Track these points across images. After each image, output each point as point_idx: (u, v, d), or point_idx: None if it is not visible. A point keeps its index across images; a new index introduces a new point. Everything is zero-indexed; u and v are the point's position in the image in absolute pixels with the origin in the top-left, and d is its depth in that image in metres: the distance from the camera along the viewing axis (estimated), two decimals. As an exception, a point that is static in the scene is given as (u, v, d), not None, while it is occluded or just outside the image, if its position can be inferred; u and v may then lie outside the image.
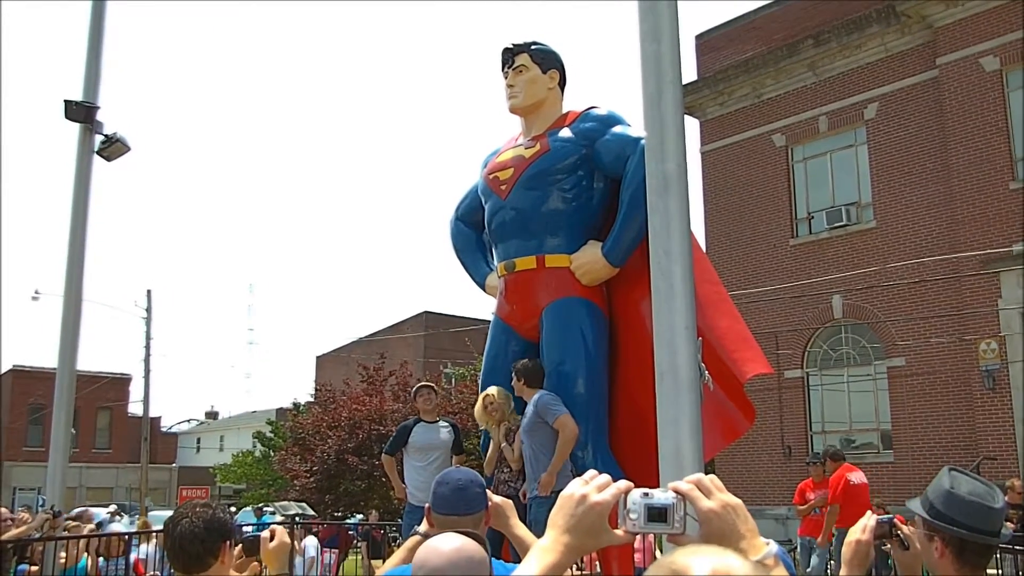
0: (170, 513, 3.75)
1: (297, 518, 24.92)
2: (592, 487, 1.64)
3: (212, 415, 70.88)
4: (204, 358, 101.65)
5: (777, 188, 21.00)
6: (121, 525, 13.60)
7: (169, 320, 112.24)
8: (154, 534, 10.65)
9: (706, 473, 1.69)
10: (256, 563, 3.32)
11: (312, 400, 32.37)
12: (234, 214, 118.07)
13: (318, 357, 52.79)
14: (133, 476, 46.31)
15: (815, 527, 11.66)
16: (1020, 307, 16.46)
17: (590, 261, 6.52)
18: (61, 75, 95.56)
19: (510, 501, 3.07)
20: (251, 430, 48.00)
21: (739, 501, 1.61)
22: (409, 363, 30.60)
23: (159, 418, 56.68)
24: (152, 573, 9.49)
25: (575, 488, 1.66)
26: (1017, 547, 9.23)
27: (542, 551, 1.62)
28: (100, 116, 8.08)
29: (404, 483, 8.08)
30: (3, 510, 8.67)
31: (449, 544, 2.19)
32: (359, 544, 19.17)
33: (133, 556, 9.75)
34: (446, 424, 8.29)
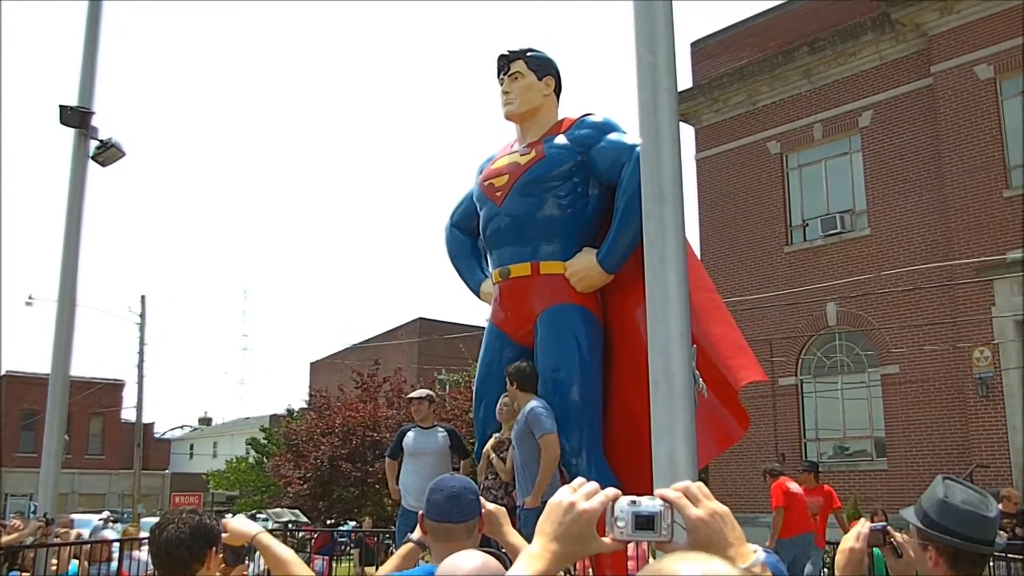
0: (162, 520, 3.73)
1: (290, 525, 24.87)
2: (580, 494, 1.64)
3: (206, 421, 70.69)
4: (198, 364, 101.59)
5: (772, 195, 21.03)
6: (113, 532, 13.53)
7: (163, 326, 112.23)
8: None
9: (700, 480, 1.69)
10: (244, 571, 3.30)
11: (306, 406, 32.31)
12: (229, 219, 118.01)
13: (312, 363, 52.76)
14: (126, 482, 46.17)
15: (809, 534, 11.66)
16: (1013, 315, 16.49)
17: (585, 268, 6.51)
18: (56, 80, 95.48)
19: (503, 508, 3.06)
20: (245, 436, 47.86)
21: (726, 509, 1.61)
22: (403, 369, 30.57)
23: (152, 424, 56.60)
24: None
25: (563, 495, 1.66)
26: (1011, 554, 9.25)
27: (530, 558, 1.62)
28: (95, 121, 8.07)
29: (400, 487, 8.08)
30: None
31: (471, 562, 2.18)
32: (352, 551, 19.16)
33: (114, 565, 9.75)
34: (443, 430, 8.26)
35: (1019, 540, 11.07)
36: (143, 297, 37.73)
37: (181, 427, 68.30)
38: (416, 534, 3.00)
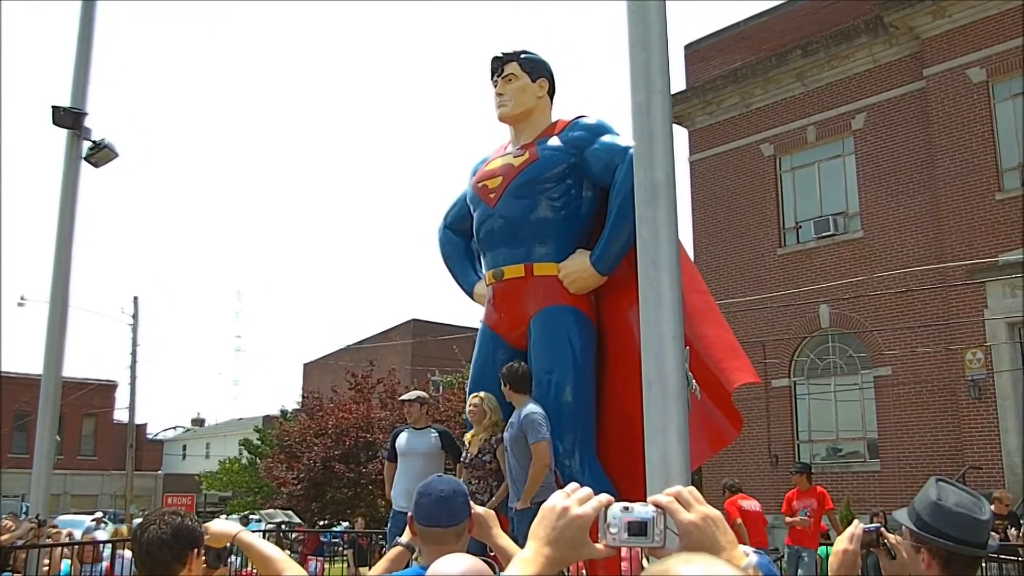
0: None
1: (283, 526, 24.85)
2: (573, 500, 1.64)
3: (198, 422, 70.59)
4: (191, 365, 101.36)
5: (765, 198, 21.07)
6: (105, 533, 13.52)
7: (156, 327, 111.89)
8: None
9: (693, 481, 1.69)
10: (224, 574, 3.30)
11: (299, 408, 32.28)
12: (222, 221, 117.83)
13: (306, 364, 52.65)
14: (118, 483, 46.06)
15: (802, 536, 11.68)
16: (1006, 317, 16.54)
17: (578, 270, 6.52)
18: (49, 81, 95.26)
19: (492, 512, 3.05)
20: (237, 437, 47.79)
21: (718, 513, 1.61)
22: (397, 370, 30.55)
23: (145, 425, 56.42)
24: None
25: (557, 500, 1.66)
26: (1003, 556, 9.27)
27: (523, 563, 1.62)
28: (88, 122, 8.06)
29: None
30: None
31: (459, 566, 2.18)
32: (345, 552, 19.14)
33: (105, 564, 9.74)
34: (435, 431, 8.24)
35: (1010, 542, 11.10)
36: (136, 298, 37.68)
37: (174, 428, 68.23)
38: (405, 537, 2.99)
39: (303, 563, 17.55)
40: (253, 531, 3.47)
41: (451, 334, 36.60)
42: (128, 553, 9.94)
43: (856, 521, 2.86)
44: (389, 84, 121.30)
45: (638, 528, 1.58)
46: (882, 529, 2.73)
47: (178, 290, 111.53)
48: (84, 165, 8.01)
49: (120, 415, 48.06)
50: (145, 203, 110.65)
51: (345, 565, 19.00)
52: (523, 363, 6.57)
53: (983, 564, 8.61)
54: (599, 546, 1.62)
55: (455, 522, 2.83)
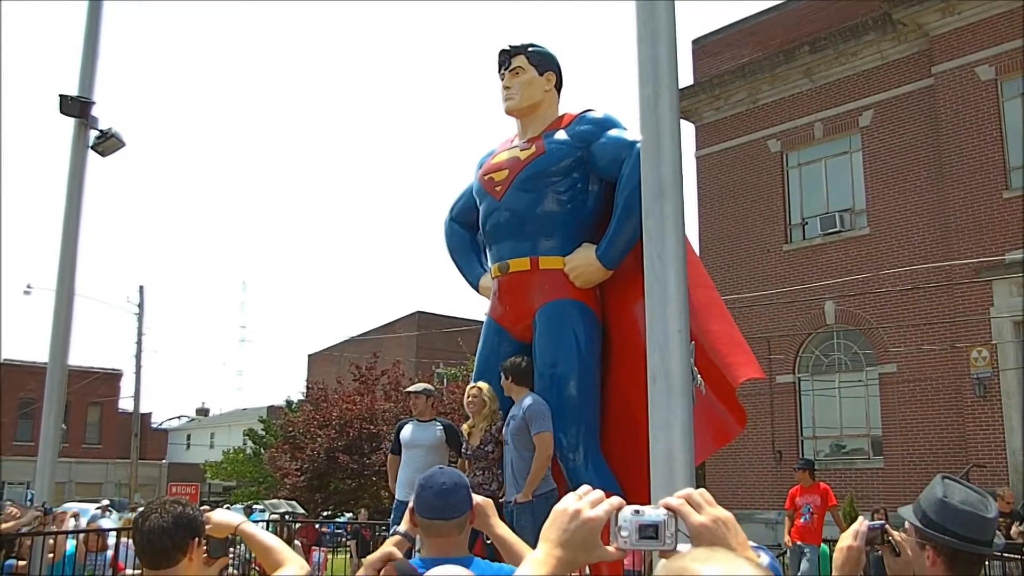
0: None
1: (287, 516, 24.90)
2: (585, 502, 1.65)
3: (203, 412, 70.77)
4: (196, 355, 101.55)
5: (772, 193, 21.04)
6: (110, 521, 13.56)
7: (161, 316, 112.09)
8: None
9: (698, 475, 1.69)
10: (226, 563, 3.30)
11: (304, 398, 32.33)
12: (228, 212, 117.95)
13: (310, 355, 52.77)
14: (123, 472, 46.17)
15: (805, 533, 11.67)
16: (1012, 316, 16.51)
17: (584, 263, 6.51)
18: (56, 69, 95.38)
19: (491, 501, 3.05)
20: (242, 427, 47.90)
21: (730, 515, 1.61)
22: (401, 363, 30.57)
23: (150, 414, 56.55)
24: (131, 572, 9.47)
25: (568, 503, 1.67)
26: (1007, 554, 9.26)
27: (535, 564, 1.63)
28: (95, 111, 8.05)
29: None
30: None
31: None
32: (348, 543, 19.17)
33: (110, 553, 9.78)
34: (440, 424, 8.26)
35: (1014, 540, 11.10)
36: (141, 287, 37.81)
37: (178, 417, 68.38)
38: (404, 527, 2.99)
39: (307, 554, 17.59)
40: (256, 521, 3.47)
41: (456, 326, 36.64)
42: (131, 542, 9.98)
43: (860, 518, 2.86)
44: (395, 76, 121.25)
45: (649, 531, 1.59)
46: (886, 526, 2.73)
47: (184, 280, 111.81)
48: (91, 154, 8.01)
49: (125, 404, 48.21)
50: (152, 192, 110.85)
51: (348, 556, 19.04)
52: (525, 357, 6.58)
53: (986, 562, 8.61)
54: (610, 548, 1.63)
55: (457, 515, 2.84)
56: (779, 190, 20.99)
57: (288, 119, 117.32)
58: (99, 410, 53.23)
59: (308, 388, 31.58)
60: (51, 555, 8.31)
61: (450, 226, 7.59)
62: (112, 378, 51.25)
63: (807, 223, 20.50)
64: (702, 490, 1.66)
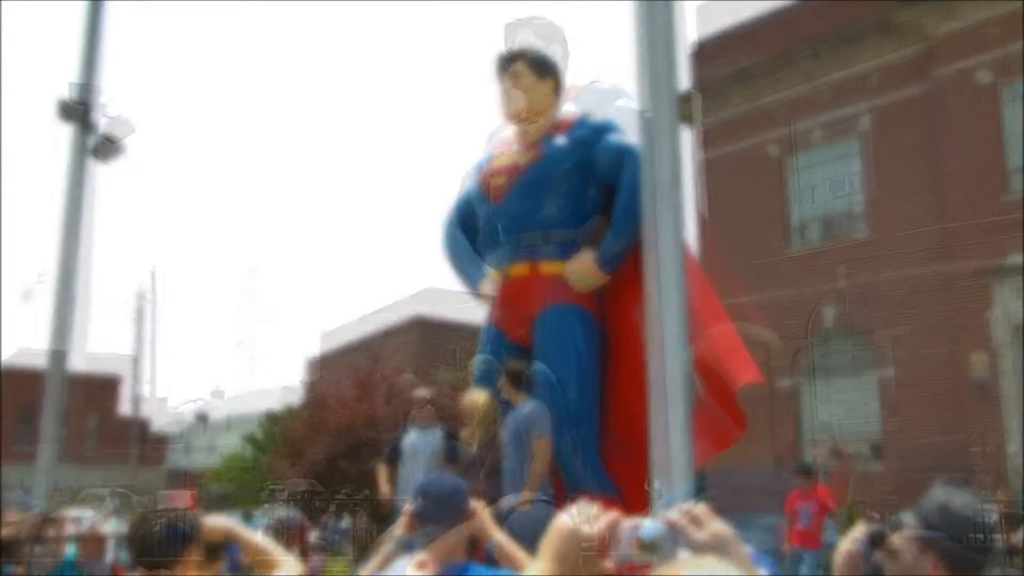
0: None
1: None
2: (583, 518, 1.64)
3: (202, 418, 70.72)
4: (194, 363, 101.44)
5: (772, 197, 21.04)
6: (111, 527, 13.53)
7: (162, 321, 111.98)
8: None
9: (698, 480, 1.68)
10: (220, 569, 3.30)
11: (303, 404, 32.26)
12: (233, 206, 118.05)
13: (309, 360, 52.72)
14: (122, 477, 46.10)
15: (804, 538, 11.66)
16: (1011, 319, 16.50)
17: (584, 268, 6.50)
18: (63, 61, 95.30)
19: (489, 506, 3.06)
20: (241, 433, 47.85)
21: (730, 531, 1.60)
22: (401, 368, 30.50)
23: (149, 420, 56.47)
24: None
25: (566, 519, 1.66)
26: (1008, 570, 9.25)
27: None
28: (101, 99, 8.04)
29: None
30: None
31: None
32: (347, 549, 19.16)
33: (110, 556, 9.74)
34: (441, 431, 8.29)
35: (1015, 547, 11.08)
36: (140, 294, 37.77)
37: (178, 424, 68.29)
38: (400, 531, 2.98)
39: (304, 559, 17.58)
40: (255, 527, 3.48)
41: (456, 332, 36.57)
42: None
43: (860, 523, 2.85)
44: (396, 79, 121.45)
45: (648, 545, 1.58)
46: (887, 530, 2.72)
47: (182, 286, 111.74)
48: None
49: (124, 409, 48.17)
50: (151, 193, 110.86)
51: (348, 564, 19.03)
52: (524, 363, 6.57)
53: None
54: (608, 563, 1.62)
55: (455, 521, 2.83)
56: (779, 194, 20.99)
57: (288, 119, 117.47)
58: (98, 416, 53.18)
59: (307, 394, 31.50)
60: (51, 560, 8.29)
61: (449, 231, 7.58)
62: (112, 384, 51.20)
63: (807, 227, 20.49)
64: (703, 506, 1.65)
